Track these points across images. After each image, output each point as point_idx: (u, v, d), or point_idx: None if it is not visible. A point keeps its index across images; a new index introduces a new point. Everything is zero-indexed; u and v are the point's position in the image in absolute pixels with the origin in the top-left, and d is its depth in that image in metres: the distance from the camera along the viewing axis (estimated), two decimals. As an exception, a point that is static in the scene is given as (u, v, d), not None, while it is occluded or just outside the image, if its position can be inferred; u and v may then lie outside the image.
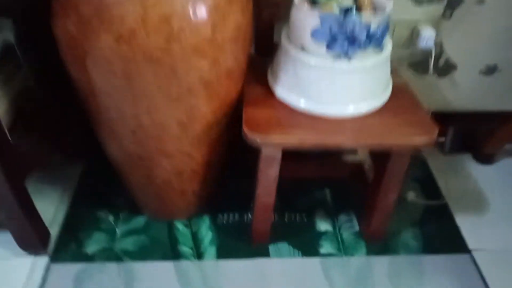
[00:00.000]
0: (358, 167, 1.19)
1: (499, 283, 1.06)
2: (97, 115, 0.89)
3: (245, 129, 0.85)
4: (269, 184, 0.97)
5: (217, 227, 1.17)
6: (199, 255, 1.10)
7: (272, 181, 0.96)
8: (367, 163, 1.19)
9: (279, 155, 0.91)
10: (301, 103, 0.90)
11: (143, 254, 1.10)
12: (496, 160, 1.42)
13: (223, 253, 1.11)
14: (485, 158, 1.41)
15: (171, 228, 1.16)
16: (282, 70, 0.92)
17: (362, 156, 1.22)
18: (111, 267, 1.07)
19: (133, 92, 0.79)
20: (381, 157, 0.99)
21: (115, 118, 0.86)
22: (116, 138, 0.92)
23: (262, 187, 0.97)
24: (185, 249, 1.11)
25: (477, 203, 1.27)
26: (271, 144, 0.84)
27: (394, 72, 0.96)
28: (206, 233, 1.15)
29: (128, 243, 1.12)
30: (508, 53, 1.28)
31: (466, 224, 1.20)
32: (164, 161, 0.94)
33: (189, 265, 1.08)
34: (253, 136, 0.84)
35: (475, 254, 1.13)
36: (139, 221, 1.18)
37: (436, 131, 0.87)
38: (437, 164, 1.39)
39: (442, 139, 1.41)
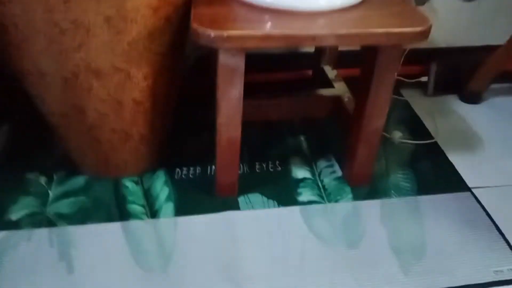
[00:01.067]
0: (336, 102, 1.02)
1: (505, 218, 0.92)
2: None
3: (194, 25, 0.67)
4: (233, 110, 0.79)
5: (174, 183, 0.97)
6: (153, 213, 0.90)
7: (236, 105, 0.78)
8: (346, 95, 1.03)
9: (241, 64, 0.73)
10: (264, -3, 0.73)
11: (82, 216, 0.89)
12: (482, 99, 1.29)
13: (183, 209, 0.91)
14: (471, 97, 1.28)
15: (117, 186, 0.96)
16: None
17: (340, 88, 1.05)
18: (41, 234, 0.85)
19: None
20: (363, 78, 0.83)
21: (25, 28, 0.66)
22: (30, 58, 0.72)
23: (224, 114, 0.79)
24: (136, 207, 0.91)
25: (469, 142, 1.14)
26: (229, 39, 0.66)
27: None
28: (162, 189, 0.95)
29: (64, 206, 0.91)
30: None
31: (461, 162, 1.06)
32: (95, 83, 0.74)
33: (140, 225, 0.87)
34: (205, 31, 0.66)
35: (476, 191, 0.98)
36: (78, 181, 0.97)
37: (429, 23, 0.71)
38: (421, 106, 1.25)
39: (424, 78, 1.27)
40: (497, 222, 0.91)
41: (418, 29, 0.70)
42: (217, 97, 0.77)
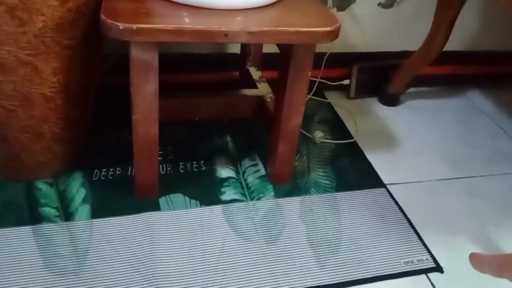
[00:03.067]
0: (259, 102, 1.04)
1: (416, 212, 0.98)
2: None
3: (102, 17, 0.65)
4: (148, 106, 0.77)
5: (92, 184, 0.94)
6: (67, 216, 0.86)
7: (151, 101, 0.77)
8: (269, 96, 1.05)
9: (155, 59, 0.72)
10: (177, -7, 0.72)
11: (-12, 221, 0.83)
12: (400, 102, 1.36)
13: (100, 211, 0.88)
14: (389, 100, 1.35)
15: (30, 189, 0.91)
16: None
17: (263, 89, 1.07)
18: None
19: None
20: (281, 77, 0.85)
21: None
22: None
23: (139, 110, 0.78)
24: (48, 210, 0.87)
25: (386, 141, 1.20)
26: (138, 31, 0.65)
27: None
28: (78, 191, 0.92)
29: (-32, 211, 0.85)
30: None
31: (378, 160, 1.11)
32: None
33: (53, 228, 0.83)
34: (114, 24, 0.64)
35: (390, 187, 1.03)
36: (-14, 184, 0.91)
37: (338, 24, 0.74)
38: (343, 108, 1.30)
39: (346, 81, 1.32)
40: (409, 216, 0.96)
41: (327, 29, 0.73)
42: (131, 93, 0.75)
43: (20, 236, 0.81)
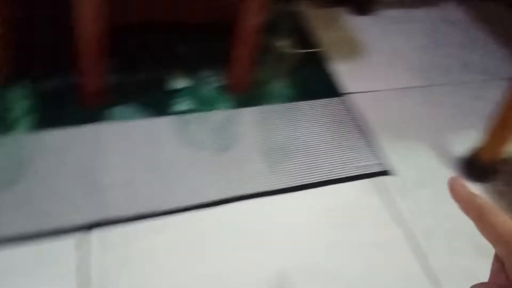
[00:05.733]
0: (222, 6, 0.96)
1: (377, 120, 0.95)
2: None
3: None
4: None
5: (36, 95, 0.88)
6: (6, 127, 0.81)
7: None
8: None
9: None
10: None
11: None
12: (372, 11, 1.29)
13: (44, 123, 0.83)
14: (361, 9, 1.27)
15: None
16: None
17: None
18: None
19: None
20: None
21: None
22: None
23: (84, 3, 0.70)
24: (-13, 120, 0.82)
25: (354, 51, 1.14)
26: None
27: None
28: (19, 102, 0.86)
29: None
30: None
31: (344, 70, 1.06)
32: None
33: (-7, 138, 0.79)
34: None
35: (354, 96, 1.00)
36: None
37: None
38: (312, 16, 1.22)
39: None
40: (368, 124, 0.93)
41: None
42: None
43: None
